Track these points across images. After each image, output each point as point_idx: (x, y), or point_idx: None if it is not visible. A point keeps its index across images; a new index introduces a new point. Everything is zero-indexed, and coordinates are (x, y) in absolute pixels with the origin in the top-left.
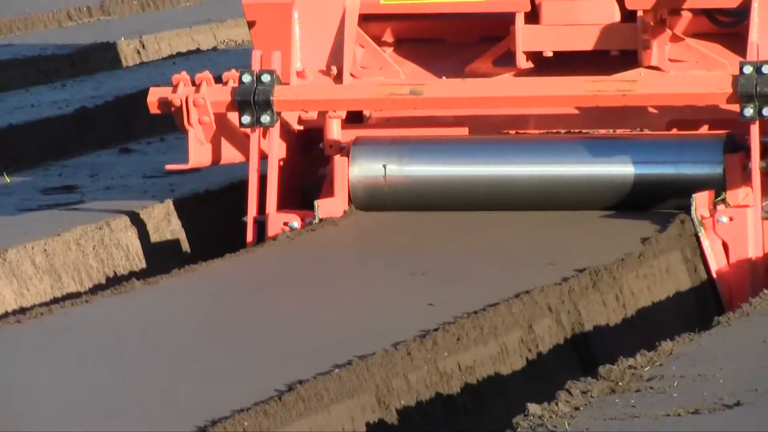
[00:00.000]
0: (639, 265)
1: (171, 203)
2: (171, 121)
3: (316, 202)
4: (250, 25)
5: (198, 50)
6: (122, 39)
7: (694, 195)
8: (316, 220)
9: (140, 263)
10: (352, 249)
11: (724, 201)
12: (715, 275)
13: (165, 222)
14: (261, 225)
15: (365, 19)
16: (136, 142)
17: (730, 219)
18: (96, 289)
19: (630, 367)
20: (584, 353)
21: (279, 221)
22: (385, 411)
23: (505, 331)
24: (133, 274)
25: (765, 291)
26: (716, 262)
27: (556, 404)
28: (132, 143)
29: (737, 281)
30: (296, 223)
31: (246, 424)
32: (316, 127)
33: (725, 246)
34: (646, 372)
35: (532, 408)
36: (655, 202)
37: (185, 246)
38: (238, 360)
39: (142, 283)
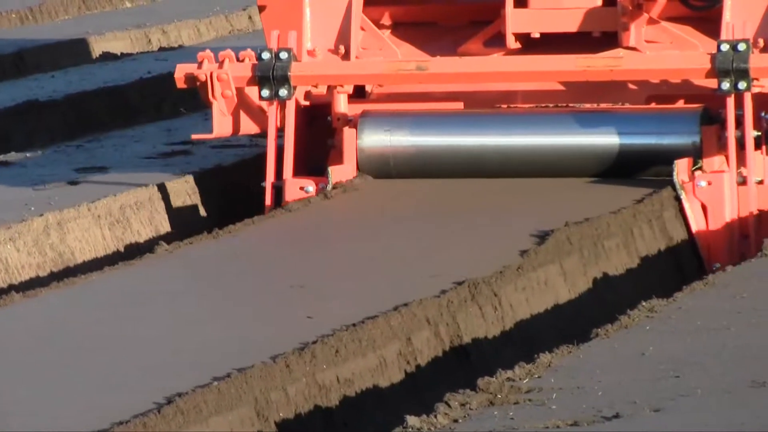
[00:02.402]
0: (517, 277)
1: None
2: (49, 135)
3: (330, 168)
4: (261, 9)
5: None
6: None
7: (675, 161)
8: (330, 186)
9: (19, 276)
10: (238, 261)
11: (700, 169)
12: (696, 234)
13: (44, 235)
14: (278, 190)
15: (366, 4)
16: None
17: (709, 183)
18: None
19: (508, 380)
20: (463, 365)
21: (295, 186)
22: (264, 423)
23: (383, 343)
24: (12, 287)
25: (643, 304)
26: (696, 223)
27: (435, 416)
28: (10, 155)
29: (715, 240)
30: (311, 188)
31: None
32: (321, 103)
33: (704, 208)
34: (524, 384)
35: (411, 420)
36: (638, 170)
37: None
38: (117, 373)
39: (21, 296)
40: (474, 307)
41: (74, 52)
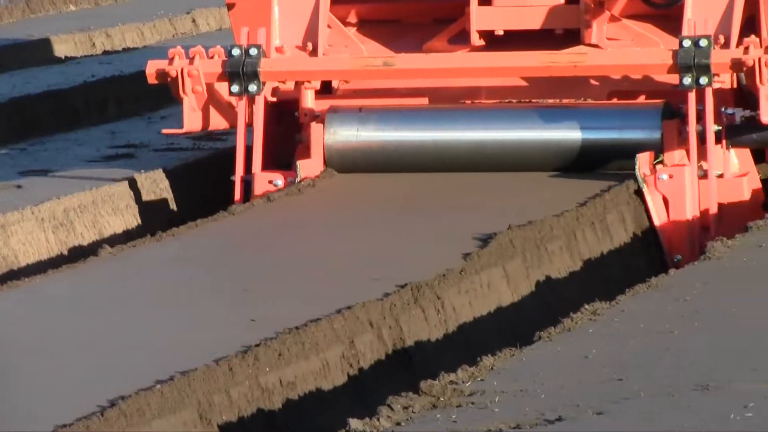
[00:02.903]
0: (460, 280)
1: None
2: None
3: (298, 163)
4: (230, 6)
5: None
6: None
7: (637, 155)
8: (298, 179)
9: None
10: (182, 264)
11: (662, 162)
12: (657, 227)
13: None
14: (247, 183)
15: (333, 3)
16: None
17: (670, 176)
18: None
19: (451, 383)
20: (406, 368)
21: (264, 180)
22: (207, 426)
23: (326, 346)
24: None
25: (586, 307)
26: (658, 216)
27: (378, 419)
28: None
29: (677, 233)
30: (280, 181)
31: None
32: (288, 99)
33: (665, 201)
34: (467, 387)
35: (354, 423)
36: (601, 164)
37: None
38: (60, 376)
39: None
40: (417, 310)
41: (18, 55)
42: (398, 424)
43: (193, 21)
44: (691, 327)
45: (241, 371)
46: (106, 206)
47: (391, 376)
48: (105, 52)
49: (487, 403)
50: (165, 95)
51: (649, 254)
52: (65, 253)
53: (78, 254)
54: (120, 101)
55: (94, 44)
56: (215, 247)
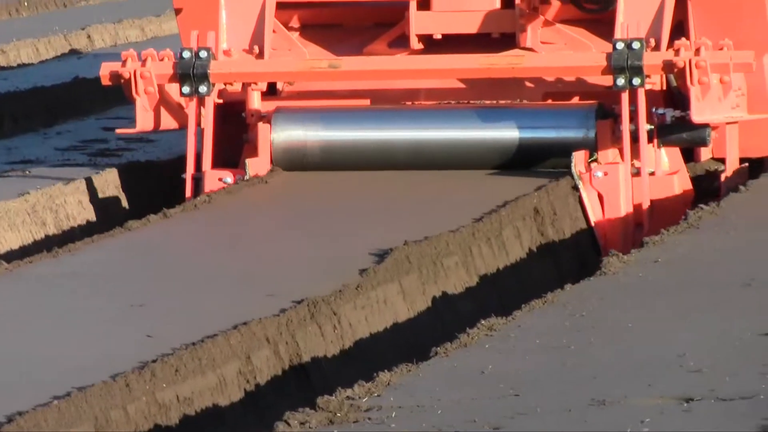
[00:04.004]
0: (357, 296)
1: None
2: None
3: (247, 161)
4: (177, 12)
5: None
6: None
7: (573, 153)
8: (248, 176)
9: None
10: (79, 280)
11: (596, 161)
12: (593, 223)
13: None
14: (197, 181)
15: (276, 7)
16: None
17: (605, 174)
18: None
19: (348, 398)
20: (303, 384)
21: (215, 177)
22: None
23: (223, 362)
24: None
25: (482, 322)
26: (593, 212)
27: None
28: None
29: (611, 228)
30: (230, 179)
31: None
32: (233, 101)
33: (600, 197)
34: (364, 403)
35: None
36: (537, 162)
37: None
38: None
39: None
40: (314, 326)
41: None
42: None
43: (89, 37)
44: (587, 342)
45: (138, 387)
46: (2, 222)
47: (288, 392)
48: (0, 68)
49: (383, 419)
50: (61, 110)
51: (545, 269)
52: None
53: None
54: (15, 117)
55: None
56: (113, 263)
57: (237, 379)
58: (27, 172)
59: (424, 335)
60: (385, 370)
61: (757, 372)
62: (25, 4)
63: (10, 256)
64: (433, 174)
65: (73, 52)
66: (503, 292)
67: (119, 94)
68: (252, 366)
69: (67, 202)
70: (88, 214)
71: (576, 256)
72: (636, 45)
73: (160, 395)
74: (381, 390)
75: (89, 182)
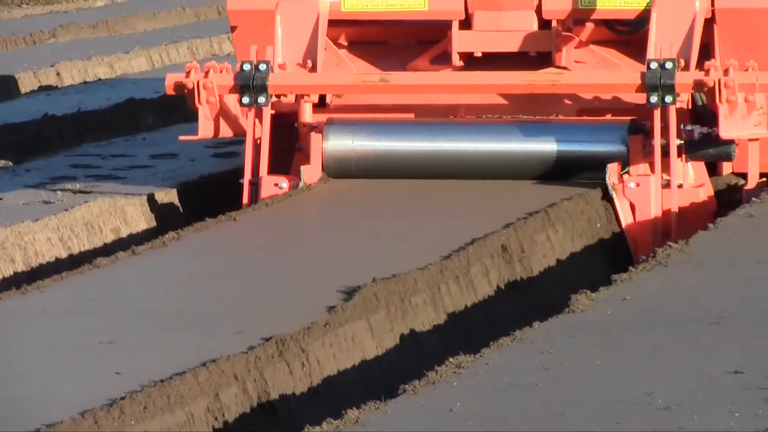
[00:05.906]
0: (325, 333)
1: None
2: None
3: (302, 168)
4: (233, 29)
5: None
6: None
7: (608, 165)
8: (302, 183)
9: None
10: (45, 317)
11: (628, 173)
12: (624, 229)
13: None
14: (255, 186)
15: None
16: None
17: (637, 185)
18: None
19: None
20: (271, 422)
21: (271, 182)
22: None
23: (191, 399)
24: None
25: (450, 360)
26: (625, 220)
27: None
28: None
29: (641, 235)
30: (285, 184)
31: None
32: (284, 112)
33: (632, 206)
34: None
35: None
36: (573, 174)
37: None
38: None
39: None
40: (282, 363)
41: None
42: None
43: (58, 74)
44: (556, 380)
45: (107, 424)
46: None
47: (256, 430)
48: None
49: None
50: (30, 147)
51: (513, 307)
52: None
53: None
54: None
55: None
56: (81, 300)
57: (205, 416)
58: None
59: (392, 373)
60: (353, 408)
61: (726, 410)
62: None
63: None
64: (222, 273)
65: (42, 89)
66: (471, 330)
67: (89, 130)
68: (220, 403)
69: (36, 240)
70: (57, 251)
71: (543, 293)
72: (669, 65)
73: None
74: (349, 427)
75: (59, 219)
